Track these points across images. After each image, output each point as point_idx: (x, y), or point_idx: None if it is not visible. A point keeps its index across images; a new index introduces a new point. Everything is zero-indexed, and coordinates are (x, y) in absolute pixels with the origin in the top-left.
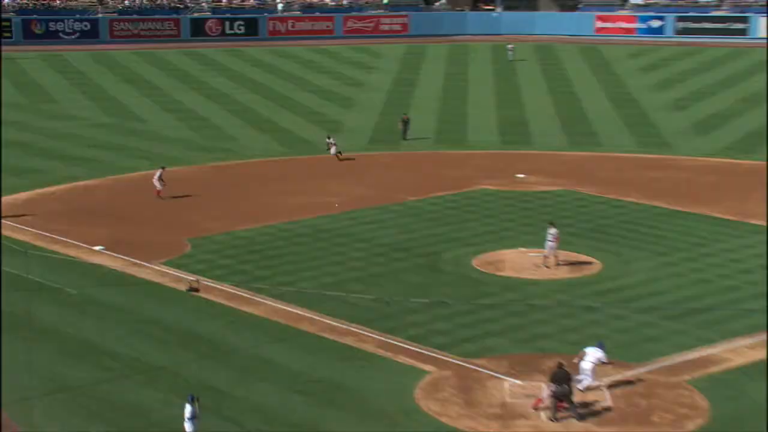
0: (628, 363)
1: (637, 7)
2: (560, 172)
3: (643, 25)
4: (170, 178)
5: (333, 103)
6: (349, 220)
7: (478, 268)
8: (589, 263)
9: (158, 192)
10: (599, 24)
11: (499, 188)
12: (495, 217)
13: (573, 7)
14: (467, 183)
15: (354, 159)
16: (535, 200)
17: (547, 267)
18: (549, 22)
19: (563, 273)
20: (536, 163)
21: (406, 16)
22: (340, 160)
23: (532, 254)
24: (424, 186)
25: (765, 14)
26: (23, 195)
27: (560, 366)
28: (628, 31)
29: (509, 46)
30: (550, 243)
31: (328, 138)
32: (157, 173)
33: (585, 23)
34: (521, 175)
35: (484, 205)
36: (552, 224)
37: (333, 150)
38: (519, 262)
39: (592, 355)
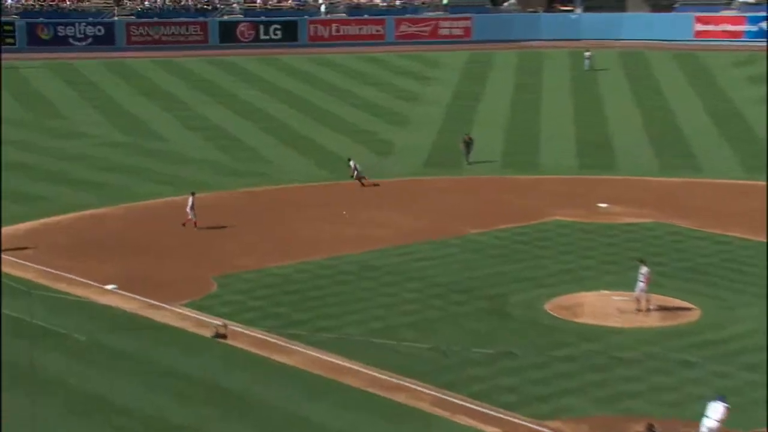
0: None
1: (746, 6)
2: (650, 200)
3: (752, 28)
4: (196, 205)
5: (383, 119)
6: (401, 256)
7: (552, 313)
8: (686, 309)
9: (194, 222)
10: (699, 26)
11: (576, 220)
12: (572, 254)
13: (668, 7)
14: (539, 213)
15: (378, 185)
16: (621, 234)
17: (640, 310)
18: (638, 25)
19: (654, 320)
20: (621, 190)
21: (469, 18)
22: (364, 185)
23: (617, 297)
24: (489, 216)
25: None
26: (25, 225)
27: (651, 429)
28: (734, 34)
29: (586, 53)
30: (640, 284)
31: (350, 161)
32: (189, 201)
33: (682, 26)
34: (604, 205)
35: (560, 239)
36: (642, 262)
37: (355, 175)
38: (601, 307)
39: (716, 412)
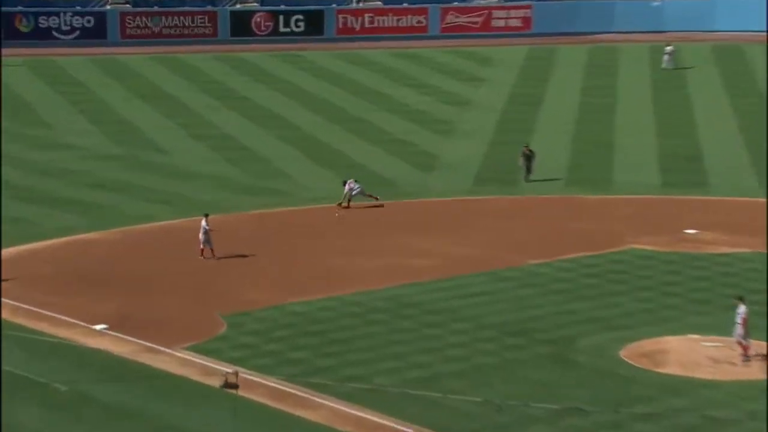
0: None
1: None
2: (749, 226)
3: None
4: (212, 229)
5: (425, 127)
6: (446, 291)
7: (629, 361)
8: None
9: (211, 251)
10: None
11: (659, 249)
12: (653, 290)
13: None
14: (613, 241)
15: (382, 205)
16: (713, 266)
17: (738, 359)
18: (737, 13)
19: (755, 372)
20: (714, 213)
21: (528, 7)
22: (344, 207)
23: (708, 344)
24: (552, 244)
25: None
26: (2, 253)
27: None
28: None
29: (667, 48)
30: (737, 327)
31: (346, 184)
32: (202, 225)
33: None
34: (691, 231)
35: (638, 272)
36: (740, 300)
37: (355, 191)
38: (688, 355)
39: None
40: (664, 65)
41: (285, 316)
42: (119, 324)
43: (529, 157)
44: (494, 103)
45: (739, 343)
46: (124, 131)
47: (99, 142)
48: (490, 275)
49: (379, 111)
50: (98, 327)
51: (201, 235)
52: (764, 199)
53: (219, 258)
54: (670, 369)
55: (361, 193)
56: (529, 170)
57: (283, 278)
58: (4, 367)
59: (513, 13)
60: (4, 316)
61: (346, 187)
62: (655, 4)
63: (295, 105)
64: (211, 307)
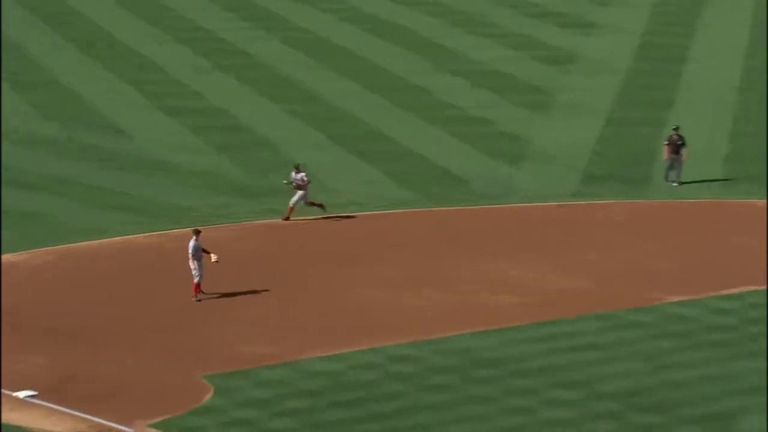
0: None
1: None
2: None
3: None
4: (182, 249)
5: (509, 99)
6: (541, 343)
7: None
8: None
9: (195, 288)
10: None
11: None
12: None
13: None
14: None
15: (323, 206)
16: None
17: None
18: None
19: None
20: None
21: None
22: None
23: None
24: (702, 273)
25: None
26: None
27: None
28: None
29: None
30: None
31: (297, 173)
32: (191, 245)
33: None
34: None
35: None
36: None
37: (296, 197)
38: None
39: None
40: None
41: (302, 378)
42: (57, 390)
43: (677, 146)
44: (614, 60)
45: None
46: (61, 101)
47: (25, 118)
48: (608, 319)
49: (440, 73)
50: (22, 394)
51: (193, 263)
52: None
53: (207, 295)
54: None
55: (303, 198)
56: (675, 166)
57: (298, 321)
58: None
59: None
60: None
61: (296, 178)
62: None
63: (315, 65)
64: (193, 365)
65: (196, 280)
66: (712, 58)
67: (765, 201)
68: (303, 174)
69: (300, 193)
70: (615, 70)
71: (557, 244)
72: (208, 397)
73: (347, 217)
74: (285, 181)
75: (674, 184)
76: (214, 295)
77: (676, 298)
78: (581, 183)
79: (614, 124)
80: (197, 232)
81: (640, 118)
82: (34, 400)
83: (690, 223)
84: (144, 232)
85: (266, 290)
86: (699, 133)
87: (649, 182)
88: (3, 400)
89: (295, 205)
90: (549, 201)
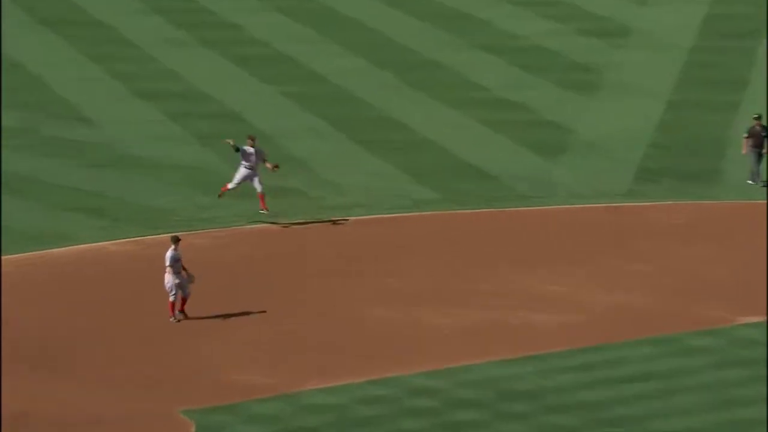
0: None
1: None
2: None
3: None
4: (159, 258)
5: (548, 79)
6: (586, 372)
7: None
8: None
9: (171, 306)
10: None
11: None
12: None
13: None
14: None
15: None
16: None
17: None
18: None
19: None
20: None
21: None
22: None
23: None
24: None
25: None
26: None
27: None
28: None
29: None
30: None
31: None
32: (168, 256)
33: None
34: None
35: None
36: None
37: (237, 176)
38: None
39: None
40: None
41: (299, 414)
42: (7, 428)
43: (761, 140)
44: (676, 33)
45: None
46: (16, 84)
47: None
48: (664, 344)
49: (464, 49)
50: None
51: (169, 277)
52: None
53: (185, 314)
54: None
55: (249, 177)
56: (758, 162)
57: (295, 345)
58: None
59: None
60: None
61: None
62: None
63: (317, 38)
64: (170, 397)
65: (171, 298)
66: None
67: None
68: (254, 151)
69: (244, 172)
70: (676, 47)
71: (604, 252)
72: None
73: (351, 220)
74: (230, 142)
75: (758, 185)
76: (198, 314)
77: (745, 320)
78: (635, 180)
79: (675, 109)
80: (176, 240)
81: (707, 101)
82: None
83: (763, 229)
84: (115, 239)
85: (258, 307)
86: None
87: (717, 179)
88: None
89: (236, 185)
90: (596, 202)
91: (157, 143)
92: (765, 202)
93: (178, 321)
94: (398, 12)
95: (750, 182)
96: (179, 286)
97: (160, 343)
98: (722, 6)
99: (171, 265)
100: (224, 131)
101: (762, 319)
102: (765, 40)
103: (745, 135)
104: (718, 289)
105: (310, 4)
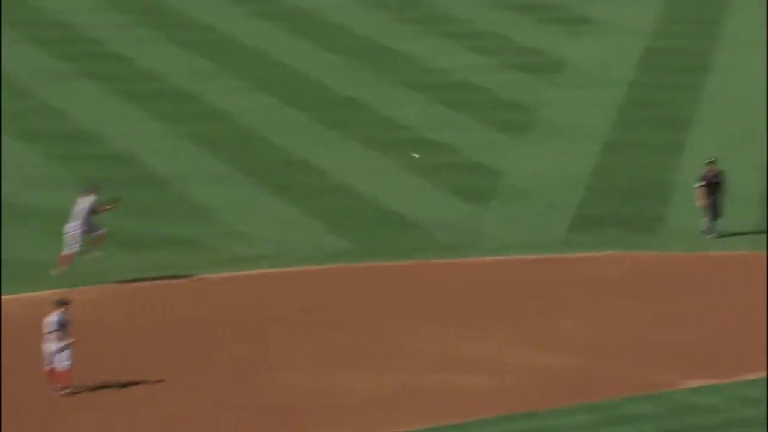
0: None
1: None
2: None
3: None
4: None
5: (476, 119)
6: None
7: None
8: None
9: (54, 375)
10: None
11: None
12: None
13: None
14: None
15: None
16: None
17: None
18: None
19: None
20: None
21: None
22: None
23: None
24: (723, 350)
25: None
26: None
27: None
28: None
29: None
30: None
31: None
32: (51, 321)
33: None
34: None
35: None
36: None
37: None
38: None
39: None
40: None
41: None
42: None
43: (713, 188)
44: (614, 67)
45: None
46: None
47: None
48: (604, 410)
49: (383, 85)
50: None
51: (48, 345)
52: None
53: (77, 390)
54: None
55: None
56: (715, 215)
57: (195, 422)
58: None
59: None
60: None
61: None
62: None
63: (217, 72)
64: None
65: (49, 364)
66: (739, 68)
67: None
68: (91, 202)
69: (76, 223)
70: (615, 81)
71: (538, 309)
72: None
73: (258, 275)
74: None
75: (712, 237)
76: (80, 387)
77: (695, 382)
78: (570, 228)
79: (614, 150)
80: (63, 304)
81: (648, 142)
82: None
83: (713, 282)
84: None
85: (159, 381)
86: (725, 164)
87: (659, 227)
88: None
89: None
90: (527, 252)
91: (32, 188)
92: (710, 254)
93: (60, 392)
94: (310, 44)
95: (704, 234)
96: (59, 353)
97: (48, 419)
98: (663, 39)
99: (56, 330)
100: (111, 175)
101: (708, 381)
102: (709, 75)
103: (699, 183)
104: (660, 349)
105: (209, 35)
